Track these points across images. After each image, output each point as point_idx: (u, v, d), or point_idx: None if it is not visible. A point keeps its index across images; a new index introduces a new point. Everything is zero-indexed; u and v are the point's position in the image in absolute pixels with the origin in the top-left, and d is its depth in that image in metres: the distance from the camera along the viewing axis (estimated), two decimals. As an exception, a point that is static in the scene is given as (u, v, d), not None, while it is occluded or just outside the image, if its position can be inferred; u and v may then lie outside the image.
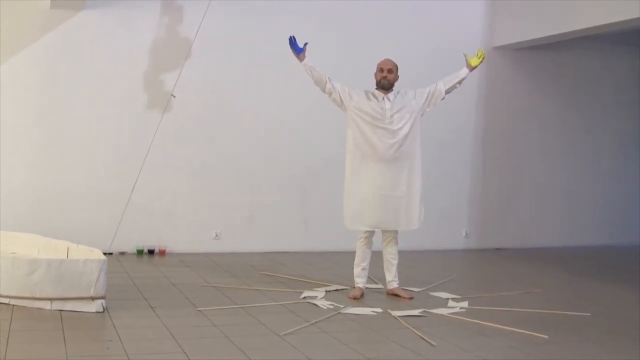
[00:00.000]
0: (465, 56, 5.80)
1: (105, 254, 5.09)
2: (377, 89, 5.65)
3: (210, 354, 4.03)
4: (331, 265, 7.11)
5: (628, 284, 6.95)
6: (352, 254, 5.90)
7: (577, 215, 9.56)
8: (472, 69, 5.77)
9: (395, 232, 5.79)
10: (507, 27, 8.61)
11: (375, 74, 5.66)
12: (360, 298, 5.65)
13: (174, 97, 6.19)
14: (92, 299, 4.74)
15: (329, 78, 5.58)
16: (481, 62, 5.78)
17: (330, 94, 5.62)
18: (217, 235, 7.61)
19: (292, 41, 5.51)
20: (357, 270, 5.78)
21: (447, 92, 5.76)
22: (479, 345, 4.47)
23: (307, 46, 5.53)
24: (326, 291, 5.84)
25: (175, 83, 6.07)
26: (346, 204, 5.71)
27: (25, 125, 6.94)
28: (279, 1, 7.68)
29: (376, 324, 4.88)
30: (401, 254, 5.92)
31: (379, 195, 5.59)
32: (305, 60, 5.53)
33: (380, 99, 5.58)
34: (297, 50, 5.51)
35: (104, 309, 4.77)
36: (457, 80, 5.76)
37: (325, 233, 7.91)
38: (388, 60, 5.66)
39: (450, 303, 5.62)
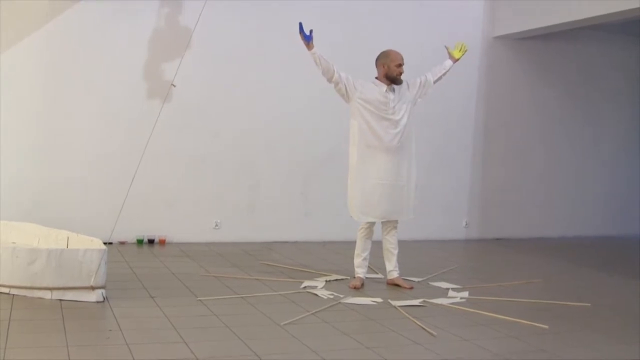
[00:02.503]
0: (447, 48, 5.94)
1: (105, 243, 5.09)
2: (378, 78, 5.63)
3: (210, 343, 4.03)
4: (331, 255, 7.11)
5: (628, 274, 6.95)
6: (352, 243, 5.90)
7: (577, 205, 9.56)
8: (455, 61, 5.92)
9: (396, 221, 5.80)
10: (508, 17, 8.58)
11: (388, 67, 5.57)
12: (360, 288, 5.65)
13: (174, 86, 6.17)
14: (93, 288, 4.74)
15: (336, 68, 5.52)
16: (463, 54, 5.94)
17: (336, 84, 5.56)
18: (217, 225, 7.60)
19: (301, 28, 5.42)
20: (357, 260, 5.78)
21: (435, 82, 5.88)
22: (479, 335, 4.48)
23: (313, 33, 5.43)
24: (326, 281, 5.84)
25: (175, 73, 6.05)
26: (353, 195, 5.68)
27: (25, 115, 6.92)
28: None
29: (376, 314, 4.88)
30: (401, 244, 5.93)
31: (384, 186, 5.59)
32: (314, 49, 5.46)
33: (384, 89, 5.57)
34: (307, 38, 5.42)
35: (104, 298, 4.77)
36: (443, 72, 5.90)
37: (325, 223, 7.91)
38: (400, 54, 5.63)
39: (451, 293, 5.63)
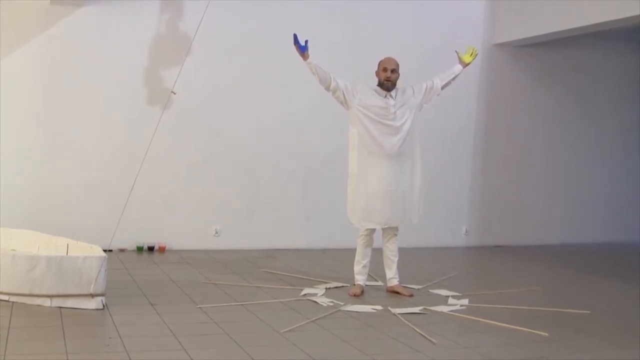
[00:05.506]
0: (457, 53, 5.90)
1: (105, 250, 5.07)
2: (378, 86, 5.64)
3: (210, 351, 4.02)
4: (331, 263, 7.10)
5: (628, 281, 6.94)
6: (352, 251, 5.89)
7: (578, 212, 9.55)
8: (465, 65, 5.86)
9: (396, 228, 5.79)
10: (508, 25, 8.60)
11: (378, 73, 5.61)
12: (360, 295, 5.65)
13: (174, 94, 6.17)
14: (92, 295, 4.73)
15: (333, 76, 5.54)
16: (473, 59, 5.90)
17: (334, 92, 5.57)
18: (217, 232, 7.60)
19: (296, 39, 5.45)
20: (357, 267, 5.77)
21: (443, 88, 5.84)
22: (479, 343, 4.47)
23: (309, 43, 5.47)
24: (326, 288, 5.83)
25: (175, 79, 6.05)
26: (354, 202, 5.67)
27: (25, 121, 6.92)
28: (280, -5, 7.69)
29: (376, 322, 4.87)
30: (401, 251, 5.92)
31: (386, 192, 5.58)
32: (310, 59, 5.48)
33: (383, 95, 5.58)
34: (302, 48, 5.44)
35: (103, 305, 4.76)
36: (452, 76, 5.85)
37: (325, 230, 7.91)
38: (392, 59, 5.62)
39: (451, 300, 5.62)
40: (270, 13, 7.67)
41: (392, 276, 5.84)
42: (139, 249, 7.25)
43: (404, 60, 5.85)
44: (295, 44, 5.45)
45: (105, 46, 7.15)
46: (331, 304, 5.29)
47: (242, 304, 5.15)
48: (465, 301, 5.59)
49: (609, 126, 9.77)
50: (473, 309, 5.35)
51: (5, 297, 4.80)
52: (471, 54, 5.85)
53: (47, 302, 4.74)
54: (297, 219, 7.96)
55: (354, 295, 5.61)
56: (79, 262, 4.73)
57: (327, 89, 5.58)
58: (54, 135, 7.04)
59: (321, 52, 5.74)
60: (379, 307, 5.26)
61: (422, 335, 4.54)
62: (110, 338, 4.17)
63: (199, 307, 4.99)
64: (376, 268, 6.12)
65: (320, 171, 7.95)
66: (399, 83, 5.67)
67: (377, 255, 5.92)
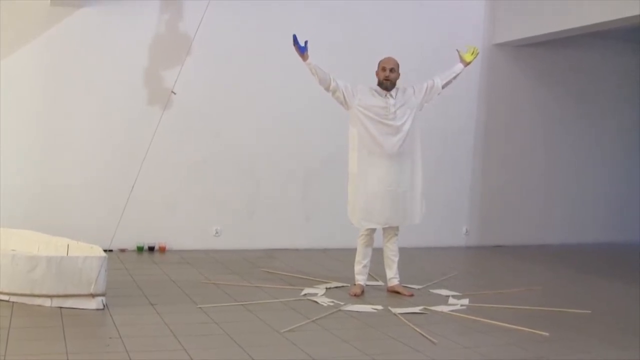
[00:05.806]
0: (459, 52, 5.89)
1: (105, 251, 5.07)
2: (377, 85, 5.64)
3: (210, 351, 4.03)
4: (332, 263, 7.10)
5: (628, 281, 6.94)
6: (353, 251, 5.89)
7: (577, 212, 9.55)
8: (466, 64, 5.86)
9: (397, 228, 5.80)
10: (508, 25, 8.60)
11: (377, 73, 5.62)
12: (360, 295, 5.65)
13: (174, 94, 6.17)
14: (92, 296, 4.73)
15: (332, 77, 5.54)
16: (474, 58, 5.89)
17: (334, 92, 5.57)
18: (217, 232, 7.60)
19: (295, 40, 5.46)
20: (357, 267, 5.77)
21: (444, 87, 5.83)
22: (480, 343, 4.48)
23: (308, 44, 5.48)
24: (327, 288, 5.83)
25: (175, 79, 6.05)
26: (354, 202, 5.67)
27: (25, 121, 6.92)
28: (280, -5, 7.69)
29: (377, 321, 4.87)
30: (402, 251, 5.92)
31: (386, 192, 5.58)
32: (309, 59, 5.49)
33: (383, 95, 5.58)
34: (301, 49, 5.45)
35: (104, 306, 4.76)
36: (453, 75, 5.84)
37: (325, 230, 7.90)
38: (391, 59, 5.63)
39: (451, 300, 5.62)
40: (270, 13, 7.67)
41: (392, 276, 5.84)
42: (139, 249, 7.25)
43: (404, 60, 5.84)
44: (294, 45, 5.45)
45: (105, 46, 7.15)
46: (331, 303, 5.29)
47: (242, 304, 5.15)
48: (465, 301, 5.59)
49: (609, 126, 9.76)
50: (473, 309, 5.35)
51: (6, 297, 4.80)
52: (472, 53, 5.85)
53: (47, 303, 4.74)
54: (297, 219, 7.96)
55: (355, 295, 5.61)
56: (79, 262, 4.73)
57: (327, 89, 5.59)
58: (54, 135, 7.04)
59: (321, 52, 5.75)
60: (380, 307, 5.26)
61: (422, 335, 4.54)
62: (110, 338, 4.17)
63: (199, 307, 4.99)
64: (376, 268, 6.13)
65: (320, 171, 7.95)
66: (399, 83, 5.68)
67: (377, 255, 5.92)
